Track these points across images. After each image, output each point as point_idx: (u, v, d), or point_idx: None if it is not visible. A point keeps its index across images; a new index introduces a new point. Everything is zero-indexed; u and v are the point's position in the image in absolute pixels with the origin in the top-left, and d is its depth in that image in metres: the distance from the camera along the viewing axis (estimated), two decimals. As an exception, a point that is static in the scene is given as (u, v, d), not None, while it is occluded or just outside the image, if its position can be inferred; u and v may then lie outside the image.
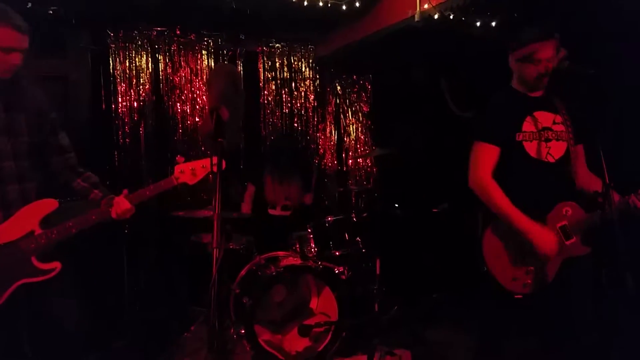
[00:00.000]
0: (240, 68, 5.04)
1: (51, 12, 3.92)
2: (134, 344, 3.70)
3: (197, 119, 4.88)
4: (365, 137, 5.68)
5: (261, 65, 5.22)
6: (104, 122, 4.56)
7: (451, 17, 3.63)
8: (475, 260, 2.50)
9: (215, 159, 2.23)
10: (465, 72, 4.73)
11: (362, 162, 5.64)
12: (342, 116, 5.60)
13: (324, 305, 3.53)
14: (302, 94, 5.40)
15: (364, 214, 3.96)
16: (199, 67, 4.94)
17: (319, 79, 5.45)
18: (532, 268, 2.38)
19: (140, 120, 4.69)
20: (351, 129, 5.65)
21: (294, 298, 3.51)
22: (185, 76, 4.89)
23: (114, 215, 2.24)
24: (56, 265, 2.17)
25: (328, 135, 5.52)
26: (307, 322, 3.42)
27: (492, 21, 3.73)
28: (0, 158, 2.13)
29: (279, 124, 5.28)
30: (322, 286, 3.54)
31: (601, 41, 3.11)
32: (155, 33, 4.75)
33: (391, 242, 4.31)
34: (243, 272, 3.60)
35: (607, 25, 3.13)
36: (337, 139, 5.56)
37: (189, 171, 2.28)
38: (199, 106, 4.90)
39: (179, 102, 4.86)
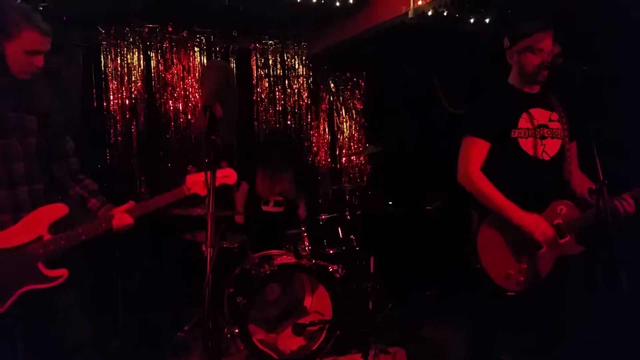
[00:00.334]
0: (232, 65, 5.01)
1: (41, 8, 3.87)
2: (127, 344, 3.67)
3: (189, 117, 4.84)
4: (358, 135, 5.66)
5: (254, 63, 5.19)
6: (95, 120, 4.52)
7: (445, 13, 3.63)
8: (469, 257, 2.50)
9: (229, 171, 2.21)
10: (458, 69, 4.73)
11: (356, 160, 5.63)
12: (335, 113, 5.58)
13: (318, 303, 3.52)
14: (296, 91, 5.38)
15: (358, 212, 3.95)
16: (191, 64, 4.90)
17: (312, 76, 5.43)
18: (525, 266, 2.37)
19: (132, 118, 4.65)
20: (345, 126, 5.63)
21: (288, 297, 3.50)
22: (177, 73, 4.85)
23: (114, 228, 2.18)
24: (63, 272, 2.11)
25: (321, 132, 5.50)
26: (302, 320, 3.41)
27: (486, 18, 3.73)
28: (11, 159, 2.07)
29: (273, 122, 5.25)
30: (316, 285, 3.53)
31: (594, 38, 3.12)
32: (147, 30, 4.71)
33: (385, 240, 4.30)
34: (237, 271, 3.58)
35: (600, 22, 3.13)
36: (331, 137, 5.54)
37: (202, 182, 2.20)
38: (192, 104, 4.87)
39: (171, 100, 4.83)
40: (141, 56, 4.70)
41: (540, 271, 2.36)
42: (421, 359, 3.55)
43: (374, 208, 4.64)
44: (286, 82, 5.32)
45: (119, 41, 4.62)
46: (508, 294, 2.38)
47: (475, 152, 2.43)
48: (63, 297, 2.12)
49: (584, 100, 2.41)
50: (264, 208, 4.27)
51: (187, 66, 4.88)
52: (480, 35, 3.87)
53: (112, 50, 4.58)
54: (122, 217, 2.16)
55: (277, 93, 5.29)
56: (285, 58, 5.32)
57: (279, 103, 5.29)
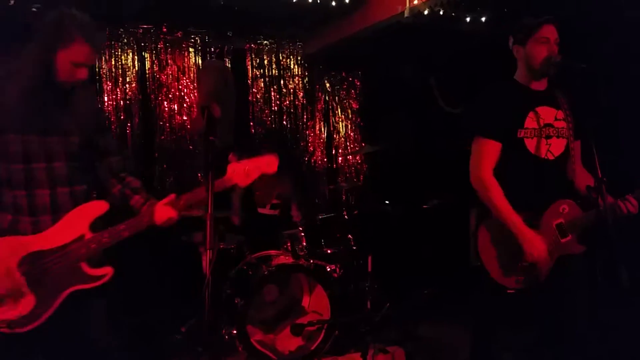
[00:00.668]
0: (228, 65, 5.00)
1: (35, 9, 3.84)
2: (124, 345, 3.65)
3: (184, 118, 4.82)
4: (354, 134, 5.66)
5: (249, 63, 5.17)
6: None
7: (441, 12, 3.63)
8: (468, 255, 2.50)
9: (271, 158, 2.13)
10: (454, 68, 4.74)
11: (352, 160, 5.62)
12: (331, 113, 5.58)
13: (316, 303, 3.51)
14: (291, 91, 5.37)
15: (355, 212, 3.94)
16: (186, 64, 4.89)
17: (307, 76, 5.42)
18: (525, 264, 2.37)
19: (127, 120, 4.63)
20: (340, 126, 5.62)
21: (286, 297, 3.49)
22: (172, 74, 4.83)
23: (157, 222, 2.08)
24: (107, 270, 2.04)
25: (317, 132, 5.49)
26: (300, 321, 3.40)
27: (482, 17, 3.73)
28: (52, 158, 2.01)
29: (268, 122, 5.24)
30: (314, 285, 3.52)
31: (589, 37, 3.12)
32: (141, 31, 4.69)
33: (382, 239, 4.30)
34: (234, 272, 3.57)
35: (597, 21, 3.14)
36: (327, 137, 5.53)
37: (242, 172, 2.10)
38: (187, 105, 4.85)
39: (166, 101, 4.80)
40: (135, 57, 4.68)
41: (540, 270, 2.36)
42: (420, 357, 3.55)
43: (370, 207, 4.64)
44: (282, 82, 5.31)
45: (113, 42, 4.59)
46: (508, 291, 2.37)
47: (487, 153, 2.41)
48: (102, 298, 2.07)
49: (583, 98, 2.41)
50: (261, 211, 4.26)
51: (181, 67, 4.86)
52: (477, 35, 3.87)
53: (107, 51, 4.56)
54: (163, 210, 2.07)
55: (273, 93, 5.28)
56: (281, 58, 5.31)
57: (274, 103, 5.28)
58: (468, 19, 3.78)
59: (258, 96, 5.22)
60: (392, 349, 3.47)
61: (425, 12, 3.61)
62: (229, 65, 4.99)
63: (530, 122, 2.41)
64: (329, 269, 3.63)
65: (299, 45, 5.33)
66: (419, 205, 4.65)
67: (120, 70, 4.62)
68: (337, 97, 5.60)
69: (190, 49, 4.89)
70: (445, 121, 4.88)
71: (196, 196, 2.08)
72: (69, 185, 2.06)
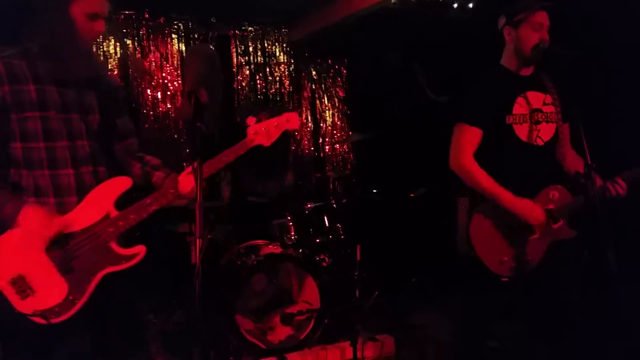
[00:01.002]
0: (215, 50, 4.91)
1: (11, -5, 3.72)
2: (111, 337, 3.59)
3: (168, 105, 4.73)
4: (341, 123, 5.63)
5: (234, 50, 5.09)
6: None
7: (428, -2, 3.60)
8: (460, 245, 2.49)
9: (291, 115, 2.07)
10: (441, 55, 4.71)
11: (339, 148, 5.59)
12: (317, 101, 5.53)
13: (305, 293, 3.49)
14: (277, 79, 5.30)
15: (344, 201, 3.92)
16: (169, 51, 4.79)
17: (293, 63, 5.35)
18: (518, 251, 2.37)
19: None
20: (327, 114, 5.59)
21: (275, 287, 3.45)
22: (155, 61, 4.73)
23: (182, 192, 1.99)
24: (140, 249, 1.95)
25: (304, 121, 5.45)
26: (289, 310, 3.38)
27: (469, 3, 3.70)
28: (74, 136, 1.92)
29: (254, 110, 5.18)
30: (303, 274, 3.50)
31: (582, 22, 3.11)
32: (122, 17, 4.58)
33: (371, 228, 4.29)
34: (223, 262, 3.53)
35: (586, 6, 3.13)
36: (314, 125, 5.49)
37: (263, 132, 2.02)
38: (170, 92, 4.76)
39: (149, 88, 4.71)
40: (117, 44, 4.57)
41: (534, 256, 2.37)
42: (409, 345, 3.56)
43: (358, 196, 4.62)
44: (267, 69, 5.24)
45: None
46: (502, 279, 2.37)
47: (467, 139, 2.41)
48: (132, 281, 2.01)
49: (572, 82, 2.41)
50: (248, 198, 4.22)
51: (164, 53, 4.77)
52: (464, 21, 3.84)
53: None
54: (187, 179, 1.98)
55: (258, 81, 5.20)
56: (266, 45, 5.23)
57: (260, 91, 5.21)
58: (455, 5, 3.76)
59: (243, 84, 5.14)
60: (381, 337, 3.48)
61: (413, -1, 3.58)
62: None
63: (518, 108, 2.41)
64: (317, 258, 3.61)
65: (284, 32, 5.26)
66: (407, 193, 4.65)
67: (101, 57, 4.51)
68: (323, 85, 5.56)
69: (173, 35, 4.80)
70: (432, 109, 4.87)
71: (219, 162, 2.01)
72: (93, 165, 1.97)
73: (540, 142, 2.42)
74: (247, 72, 5.16)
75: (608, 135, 2.99)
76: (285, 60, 5.32)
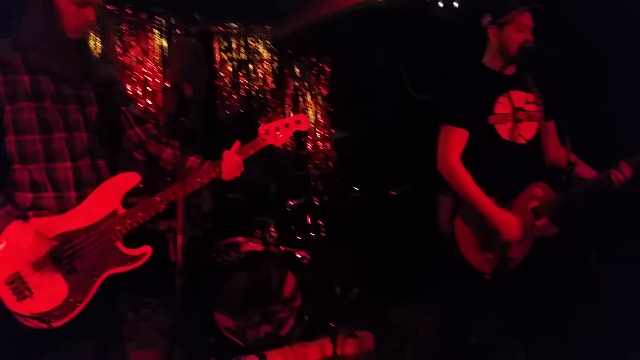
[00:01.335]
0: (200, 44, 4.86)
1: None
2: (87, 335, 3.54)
3: (148, 102, 4.67)
4: (324, 121, 5.62)
5: (216, 46, 5.05)
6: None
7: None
8: (438, 241, 2.50)
9: (302, 116, 2.07)
10: (425, 54, 4.73)
11: (322, 146, 5.59)
12: (300, 99, 5.52)
13: (286, 290, 3.48)
14: (260, 76, 5.27)
15: (325, 198, 3.92)
16: (150, 47, 4.72)
17: (277, 60, 5.33)
18: (502, 249, 2.37)
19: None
20: (310, 112, 5.58)
21: (256, 284, 3.44)
22: (136, 57, 4.66)
23: (225, 175, 1.96)
24: (146, 250, 1.86)
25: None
26: (269, 308, 3.37)
27: (454, 1, 3.72)
28: (71, 127, 1.83)
29: (237, 107, 5.14)
30: (284, 271, 3.49)
31: (565, 21, 3.15)
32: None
33: (352, 225, 4.29)
34: (202, 259, 3.50)
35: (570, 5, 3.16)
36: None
37: (274, 131, 1.99)
38: (151, 88, 4.70)
39: (130, 84, 4.64)
40: (98, 39, 4.49)
41: (517, 254, 2.38)
42: (388, 341, 3.58)
43: (340, 194, 4.62)
44: (250, 66, 5.21)
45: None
46: (486, 277, 2.38)
47: (454, 141, 2.41)
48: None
49: (556, 80, 2.43)
50: (228, 195, 4.17)
51: (145, 49, 4.70)
52: (449, 20, 3.86)
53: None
54: (230, 157, 1.95)
55: (241, 78, 5.17)
56: (249, 42, 5.20)
57: (242, 88, 5.18)
58: (441, 4, 3.76)
59: (226, 80, 5.11)
60: (361, 333, 3.49)
61: (397, -4, 3.57)
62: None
63: (500, 107, 2.42)
64: (299, 256, 3.60)
65: (267, 29, 5.23)
66: (388, 191, 4.66)
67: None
68: (306, 83, 5.54)
69: (155, 31, 4.73)
70: (416, 108, 4.89)
71: (256, 146, 2.01)
72: (91, 158, 1.88)
73: (522, 141, 2.43)
74: (230, 68, 5.12)
75: (602, 128, 3.04)
76: (269, 58, 5.29)
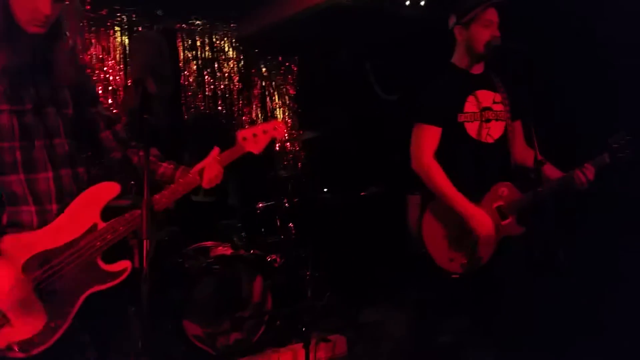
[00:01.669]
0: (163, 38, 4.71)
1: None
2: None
3: (109, 101, 4.49)
4: (292, 121, 5.55)
5: (180, 44, 4.90)
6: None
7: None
8: (412, 242, 2.48)
9: (277, 123, 1.97)
10: (392, 54, 4.73)
11: (290, 147, 5.52)
12: (268, 99, 5.43)
13: (256, 294, 3.40)
14: (226, 75, 5.15)
15: (295, 200, 3.85)
16: (111, 45, 4.55)
17: (243, 59, 5.23)
18: (468, 249, 2.39)
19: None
20: (278, 112, 5.50)
21: (226, 289, 3.34)
22: (96, 55, 4.48)
23: (205, 183, 1.84)
24: (126, 264, 1.74)
25: (254, 118, 5.33)
26: (240, 313, 3.29)
27: (421, 0, 3.72)
28: (51, 134, 1.68)
29: (202, 107, 5.01)
30: (254, 275, 3.40)
31: (531, 19, 3.18)
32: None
33: (323, 227, 4.24)
34: (169, 265, 3.38)
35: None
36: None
37: (252, 137, 1.90)
38: (112, 87, 4.52)
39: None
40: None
41: (484, 253, 2.40)
42: (361, 344, 3.55)
43: (309, 195, 4.57)
44: (215, 65, 5.08)
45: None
46: (453, 276, 2.38)
47: (427, 139, 2.42)
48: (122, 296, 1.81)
49: (523, 80, 2.45)
50: (194, 198, 4.04)
51: (106, 47, 4.52)
52: (416, 19, 3.86)
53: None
54: (211, 166, 1.85)
55: (206, 77, 5.04)
56: (214, 40, 5.08)
57: (208, 87, 5.05)
58: (408, 3, 3.76)
59: (190, 79, 4.96)
60: (333, 337, 3.44)
61: (365, -5, 3.55)
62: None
63: (469, 106, 2.44)
64: (269, 259, 3.53)
65: (233, 27, 5.12)
66: (358, 192, 4.63)
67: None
68: (273, 83, 5.46)
69: (116, 28, 4.56)
70: (383, 107, 4.88)
71: (235, 153, 1.91)
72: (71, 167, 1.74)
73: (490, 140, 2.45)
74: (195, 67, 4.98)
75: (568, 128, 3.08)
76: (235, 56, 5.18)
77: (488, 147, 2.44)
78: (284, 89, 5.52)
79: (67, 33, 1.78)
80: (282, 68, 5.50)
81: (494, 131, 2.45)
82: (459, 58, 2.49)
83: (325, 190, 4.71)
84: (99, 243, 1.70)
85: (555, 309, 2.79)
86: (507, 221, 2.41)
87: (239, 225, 3.60)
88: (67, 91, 1.76)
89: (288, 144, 5.50)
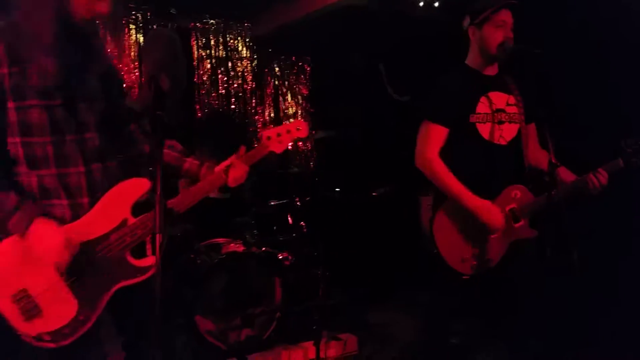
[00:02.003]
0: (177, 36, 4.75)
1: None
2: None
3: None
4: (305, 120, 5.56)
5: (194, 43, 4.94)
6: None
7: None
8: (424, 243, 2.48)
9: (300, 123, 1.97)
10: (405, 55, 4.72)
11: (303, 146, 5.53)
12: (281, 98, 5.45)
13: (268, 292, 3.42)
14: (239, 74, 5.18)
15: (307, 198, 3.86)
16: (126, 43, 4.59)
17: (256, 59, 5.25)
18: (480, 250, 2.38)
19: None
20: (290, 111, 5.51)
21: (237, 286, 3.36)
22: (111, 52, 4.53)
23: (231, 182, 1.84)
24: (153, 260, 1.69)
25: (267, 118, 5.35)
26: (251, 310, 3.30)
27: (435, 1, 3.71)
28: (83, 128, 1.69)
29: (216, 105, 5.04)
30: (265, 273, 3.42)
31: (545, 22, 3.16)
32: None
33: (334, 226, 4.25)
34: (181, 261, 3.41)
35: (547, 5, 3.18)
36: (276, 122, 5.40)
37: (275, 137, 1.90)
38: (126, 84, 4.57)
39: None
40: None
41: (494, 255, 2.38)
42: (372, 344, 3.55)
43: (321, 194, 4.58)
44: (229, 64, 5.11)
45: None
46: (463, 277, 2.38)
47: (433, 137, 2.41)
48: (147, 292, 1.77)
49: (538, 82, 2.43)
50: (210, 194, 4.08)
51: (121, 45, 4.56)
52: (430, 20, 3.85)
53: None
54: (237, 165, 1.84)
55: (220, 76, 5.07)
56: (228, 39, 5.11)
57: (221, 86, 5.08)
58: (421, 4, 3.75)
59: (204, 78, 5.00)
60: (344, 336, 3.44)
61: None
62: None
63: (482, 107, 2.42)
64: (280, 257, 3.54)
65: (247, 26, 5.14)
66: (370, 192, 4.63)
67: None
68: (286, 82, 5.48)
69: (131, 26, 4.60)
70: (396, 108, 4.88)
71: (259, 153, 1.91)
72: (102, 161, 1.74)
73: (503, 142, 2.43)
74: (209, 66, 5.01)
75: (584, 131, 3.05)
76: (248, 56, 5.20)
77: (500, 149, 2.43)
78: (297, 89, 5.54)
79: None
80: (295, 68, 5.52)
81: (506, 133, 2.44)
82: (472, 59, 2.48)
83: (337, 189, 4.72)
84: (129, 239, 1.70)
85: (567, 311, 2.76)
86: (519, 224, 2.40)
87: (252, 222, 3.61)
88: (99, 83, 1.75)
89: (300, 143, 5.52)
